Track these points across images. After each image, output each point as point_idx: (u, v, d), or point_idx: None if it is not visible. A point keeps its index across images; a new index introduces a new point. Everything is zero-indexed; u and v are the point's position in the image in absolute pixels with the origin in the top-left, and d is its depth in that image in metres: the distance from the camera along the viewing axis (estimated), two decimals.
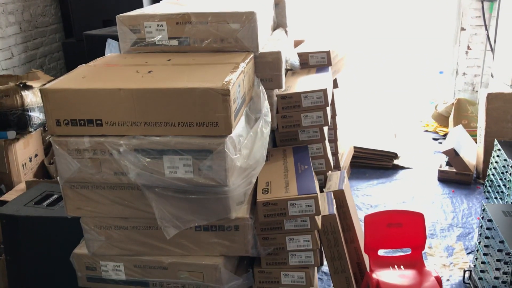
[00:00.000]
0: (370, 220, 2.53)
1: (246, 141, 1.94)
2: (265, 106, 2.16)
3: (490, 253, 2.41)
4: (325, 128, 2.67)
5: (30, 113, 3.67)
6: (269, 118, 2.13)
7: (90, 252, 2.06)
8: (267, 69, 2.30)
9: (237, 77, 1.85)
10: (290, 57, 2.75)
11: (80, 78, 1.91)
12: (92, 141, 1.81)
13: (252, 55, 2.20)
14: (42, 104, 3.70)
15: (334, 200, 2.38)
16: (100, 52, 3.15)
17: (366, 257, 2.55)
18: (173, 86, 1.75)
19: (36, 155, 3.90)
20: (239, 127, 1.89)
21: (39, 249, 2.35)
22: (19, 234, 2.35)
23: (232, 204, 1.89)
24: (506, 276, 2.21)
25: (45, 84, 3.75)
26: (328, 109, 2.55)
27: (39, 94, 3.69)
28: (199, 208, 1.89)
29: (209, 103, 1.72)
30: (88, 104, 1.78)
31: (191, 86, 1.73)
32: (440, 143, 4.81)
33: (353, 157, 4.14)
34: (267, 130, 2.09)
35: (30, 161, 3.83)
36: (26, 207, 2.38)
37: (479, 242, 2.58)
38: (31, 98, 3.69)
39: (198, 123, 1.76)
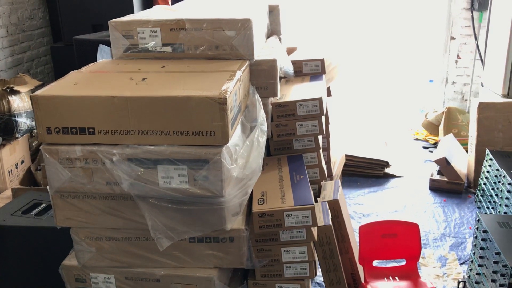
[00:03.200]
0: (365, 230, 2.51)
1: (242, 151, 1.90)
2: (261, 114, 2.13)
3: (485, 264, 2.39)
4: (320, 137, 2.64)
5: (17, 119, 3.59)
6: (265, 127, 2.10)
7: (80, 263, 2.00)
8: (263, 77, 2.27)
9: (233, 86, 1.81)
10: (284, 64, 2.72)
11: (72, 84, 1.86)
12: (84, 150, 1.76)
13: (247, 63, 2.16)
14: (29, 110, 3.68)
15: (329, 210, 2.34)
16: (90, 57, 3.10)
17: (360, 268, 2.52)
18: (169, 94, 1.71)
19: (22, 162, 3.82)
20: (235, 136, 1.85)
21: (26, 260, 2.28)
22: (6, 245, 2.28)
23: (228, 215, 1.85)
24: None
25: (33, 89, 3.72)
26: (323, 118, 2.52)
27: (27, 99, 3.68)
28: (194, 219, 1.85)
29: (206, 112, 1.68)
30: (80, 112, 1.73)
31: (187, 94, 1.69)
32: (431, 151, 4.82)
33: (345, 165, 4.13)
34: (263, 139, 2.06)
35: (17, 167, 3.75)
36: (13, 217, 2.31)
37: (474, 253, 2.57)
38: (18, 103, 3.62)
39: (194, 132, 1.71)
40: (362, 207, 3.78)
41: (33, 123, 3.78)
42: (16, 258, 2.29)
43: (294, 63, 2.89)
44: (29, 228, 2.24)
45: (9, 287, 2.33)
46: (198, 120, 1.70)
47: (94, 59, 2.93)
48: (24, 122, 3.66)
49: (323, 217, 2.27)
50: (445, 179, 4.01)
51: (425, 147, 4.97)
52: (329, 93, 3.23)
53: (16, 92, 3.61)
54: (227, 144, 1.74)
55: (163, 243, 1.85)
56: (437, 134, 5.10)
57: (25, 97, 3.70)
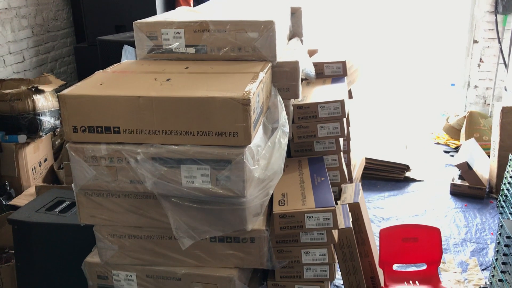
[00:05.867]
0: (386, 234, 2.50)
1: (264, 152, 1.91)
2: (283, 116, 2.13)
3: (508, 271, 2.36)
4: (341, 139, 2.63)
5: (41, 117, 3.66)
6: (287, 129, 2.10)
7: (102, 260, 2.03)
8: (284, 78, 2.27)
9: (256, 87, 1.82)
10: (306, 66, 2.72)
11: (98, 84, 1.89)
12: (109, 149, 1.78)
13: (270, 65, 2.17)
14: (53, 109, 3.74)
15: (349, 213, 2.34)
16: (113, 57, 3.13)
17: (380, 272, 2.51)
18: (193, 94, 1.72)
19: (45, 160, 3.89)
20: (257, 137, 1.86)
21: (50, 256, 2.32)
22: (30, 241, 2.32)
23: (249, 215, 1.86)
24: None
25: (57, 88, 3.79)
26: (345, 120, 2.52)
27: (51, 98, 3.74)
28: (215, 219, 1.86)
29: (229, 113, 1.70)
30: (106, 111, 1.76)
31: (211, 95, 1.71)
32: (452, 156, 4.76)
33: (364, 168, 4.10)
34: (285, 141, 2.06)
35: (40, 165, 3.81)
36: (37, 213, 2.35)
37: (496, 259, 2.53)
38: (43, 102, 3.69)
39: (217, 133, 1.73)
40: (382, 211, 3.76)
41: (57, 122, 3.85)
42: (40, 254, 2.33)
43: (315, 65, 2.89)
44: (53, 225, 2.28)
45: (33, 282, 2.38)
46: (221, 121, 1.71)
47: (117, 60, 2.96)
48: (48, 121, 3.73)
49: (344, 220, 2.26)
50: (467, 184, 3.96)
51: (446, 152, 4.92)
52: (350, 96, 3.22)
53: (40, 91, 3.68)
54: (250, 145, 1.75)
55: (185, 242, 1.87)
56: (458, 139, 5.04)
57: (49, 96, 3.77)
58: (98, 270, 2.05)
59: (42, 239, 2.32)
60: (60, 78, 4.83)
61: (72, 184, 1.91)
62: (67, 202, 2.45)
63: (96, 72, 2.08)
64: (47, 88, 3.76)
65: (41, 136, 3.72)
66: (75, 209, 2.22)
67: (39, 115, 3.64)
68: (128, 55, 2.98)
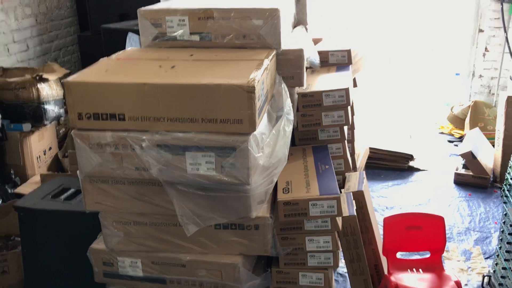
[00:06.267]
0: (390, 222, 2.50)
1: (269, 140, 1.91)
2: (287, 104, 2.13)
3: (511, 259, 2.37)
4: (345, 128, 2.63)
5: (45, 106, 3.67)
6: (291, 117, 2.10)
7: (107, 247, 2.04)
8: (289, 66, 2.26)
9: (261, 74, 1.82)
10: (310, 54, 2.71)
11: (103, 71, 1.89)
12: (114, 136, 1.79)
13: (274, 52, 2.16)
14: (57, 97, 3.74)
15: (353, 201, 2.34)
16: (118, 45, 3.12)
17: (383, 260, 2.52)
18: (198, 82, 1.72)
19: (50, 148, 3.90)
20: (261, 125, 1.86)
21: (55, 243, 2.34)
22: (36, 227, 2.34)
23: (253, 203, 1.86)
24: None
25: (61, 77, 3.79)
26: (349, 108, 2.51)
27: (55, 87, 3.75)
28: (220, 206, 1.87)
29: (233, 100, 1.69)
30: (111, 98, 1.76)
31: (216, 82, 1.71)
32: (456, 145, 4.76)
33: (368, 158, 4.09)
34: (289, 129, 2.06)
35: (44, 154, 3.83)
36: (43, 201, 2.36)
37: (500, 247, 2.54)
38: (47, 91, 3.69)
39: (222, 120, 1.73)
40: (386, 200, 3.76)
41: (61, 110, 3.85)
42: (45, 240, 2.35)
43: (320, 53, 2.88)
44: (59, 212, 2.29)
45: (39, 268, 2.40)
46: (226, 108, 1.71)
47: (121, 48, 2.94)
48: (52, 109, 3.73)
49: (348, 208, 2.27)
50: (471, 173, 3.96)
51: (450, 141, 4.91)
52: (354, 84, 3.21)
53: (45, 80, 3.68)
54: (254, 132, 1.75)
55: (190, 229, 1.88)
56: (462, 128, 5.03)
57: (54, 85, 3.77)
58: (104, 256, 2.06)
59: (48, 226, 2.34)
60: (64, 67, 4.82)
61: (78, 171, 1.91)
62: (72, 190, 2.46)
63: (101, 59, 2.08)
64: (52, 77, 3.76)
65: (46, 125, 3.73)
66: (80, 196, 2.24)
67: (43, 104, 3.65)
68: (132, 43, 2.98)
